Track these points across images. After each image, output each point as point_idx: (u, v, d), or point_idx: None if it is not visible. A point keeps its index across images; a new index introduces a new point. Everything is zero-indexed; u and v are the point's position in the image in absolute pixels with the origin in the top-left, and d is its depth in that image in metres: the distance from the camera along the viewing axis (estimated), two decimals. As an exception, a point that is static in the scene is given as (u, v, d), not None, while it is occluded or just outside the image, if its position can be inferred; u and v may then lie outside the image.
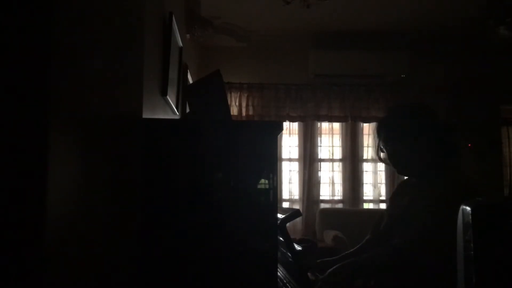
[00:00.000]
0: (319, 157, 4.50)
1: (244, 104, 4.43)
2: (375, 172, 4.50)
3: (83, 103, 0.79)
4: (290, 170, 4.52)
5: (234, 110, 4.36)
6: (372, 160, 4.47)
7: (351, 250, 1.74)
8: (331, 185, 4.56)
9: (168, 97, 2.03)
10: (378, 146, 1.58)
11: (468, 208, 0.77)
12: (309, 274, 1.46)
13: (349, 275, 1.36)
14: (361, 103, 4.46)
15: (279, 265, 1.45)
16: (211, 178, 1.23)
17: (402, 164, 1.54)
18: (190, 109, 1.59)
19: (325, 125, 4.62)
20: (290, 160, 4.53)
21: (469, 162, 4.23)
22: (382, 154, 1.59)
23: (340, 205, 4.52)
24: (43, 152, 0.62)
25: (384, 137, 1.55)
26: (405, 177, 1.69)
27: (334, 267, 1.38)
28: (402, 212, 1.51)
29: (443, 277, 1.28)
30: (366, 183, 4.57)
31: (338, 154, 4.60)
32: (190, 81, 3.18)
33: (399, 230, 1.45)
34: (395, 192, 1.69)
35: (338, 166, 4.58)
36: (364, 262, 1.40)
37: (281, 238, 1.37)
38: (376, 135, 1.60)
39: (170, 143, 1.23)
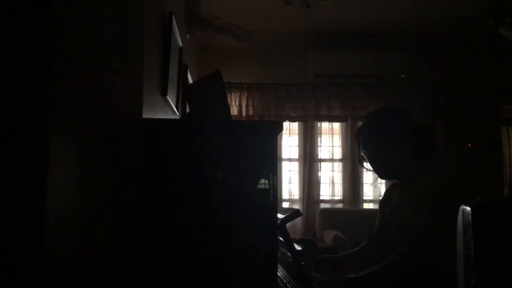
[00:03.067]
0: (319, 157, 4.50)
1: (244, 104, 4.43)
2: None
3: (83, 103, 0.79)
4: (290, 170, 4.52)
5: (234, 110, 4.36)
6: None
7: (351, 251, 1.74)
8: (331, 185, 4.56)
9: (168, 97, 2.03)
10: (359, 154, 1.62)
11: (468, 208, 0.76)
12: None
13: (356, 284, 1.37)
14: (361, 103, 4.46)
15: (279, 265, 1.45)
16: (211, 178, 1.23)
17: (381, 168, 1.58)
18: (190, 109, 1.59)
19: (325, 125, 4.62)
20: (290, 160, 4.53)
21: (469, 162, 4.23)
22: (364, 163, 1.63)
23: (340, 205, 4.52)
24: (43, 152, 0.62)
25: (363, 145, 1.59)
26: (393, 182, 1.71)
27: (345, 277, 1.38)
28: (389, 214, 1.54)
29: (444, 275, 1.29)
30: (366, 183, 4.57)
31: (338, 154, 4.60)
32: (190, 81, 3.18)
33: (389, 234, 1.46)
34: (384, 196, 1.72)
35: (338, 166, 4.58)
36: (375, 274, 1.39)
37: (281, 238, 1.37)
38: (356, 144, 1.64)
39: (170, 143, 1.23)
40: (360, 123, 1.66)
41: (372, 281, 1.38)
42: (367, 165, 1.63)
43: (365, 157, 1.60)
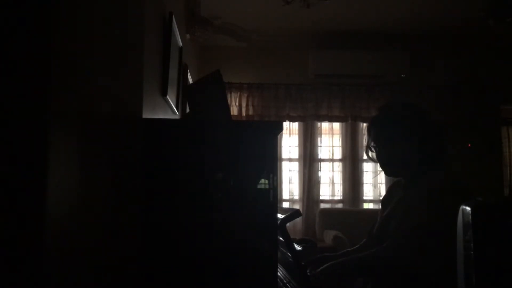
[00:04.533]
0: (319, 157, 4.50)
1: (244, 104, 4.43)
2: (375, 172, 4.50)
3: (83, 103, 0.79)
4: (290, 170, 4.52)
5: (234, 110, 4.36)
6: (372, 160, 4.47)
7: (350, 249, 1.74)
8: (331, 185, 4.56)
9: (168, 97, 2.02)
10: (368, 144, 1.59)
11: (468, 208, 0.76)
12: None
13: (338, 273, 1.37)
14: (361, 103, 4.46)
15: (279, 265, 1.45)
16: (211, 178, 1.23)
17: (389, 164, 1.54)
18: (190, 109, 1.59)
19: (325, 125, 4.62)
20: (290, 160, 4.53)
21: (469, 162, 4.23)
22: (371, 153, 1.59)
23: (340, 205, 4.52)
24: (43, 152, 0.62)
25: (373, 137, 1.55)
26: (395, 180, 1.70)
27: (325, 265, 1.39)
28: (389, 212, 1.52)
29: (437, 277, 1.29)
30: (366, 183, 4.57)
31: (338, 154, 4.60)
32: (190, 81, 3.18)
33: (388, 231, 1.46)
34: (386, 195, 1.69)
35: (338, 166, 4.58)
36: (354, 262, 1.41)
37: (281, 238, 1.37)
38: (366, 134, 1.60)
39: (170, 143, 1.23)
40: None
41: (354, 267, 1.40)
42: (372, 155, 1.59)
43: (373, 149, 1.56)
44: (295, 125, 4.56)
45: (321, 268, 1.38)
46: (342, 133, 4.58)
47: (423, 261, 1.31)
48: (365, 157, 4.59)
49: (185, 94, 2.66)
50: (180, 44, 2.45)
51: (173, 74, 2.18)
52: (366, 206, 4.56)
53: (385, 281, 1.42)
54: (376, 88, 4.48)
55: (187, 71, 3.01)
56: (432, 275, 1.32)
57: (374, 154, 1.58)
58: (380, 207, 1.70)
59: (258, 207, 1.21)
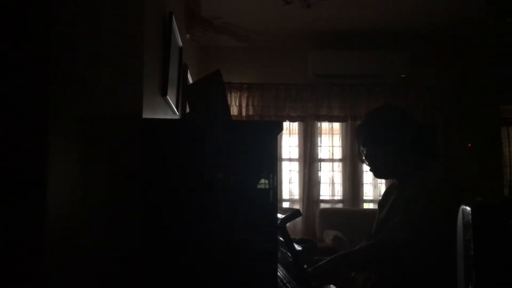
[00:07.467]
0: (319, 157, 4.50)
1: (244, 104, 4.43)
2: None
3: (83, 103, 0.79)
4: (290, 170, 4.52)
5: (234, 110, 4.36)
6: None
7: (348, 251, 1.76)
8: (331, 185, 4.56)
9: (168, 97, 2.03)
10: (359, 150, 1.64)
11: (468, 208, 0.76)
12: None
13: (333, 267, 1.42)
14: (361, 103, 4.46)
15: (279, 265, 1.45)
16: (211, 178, 1.23)
17: (379, 167, 1.58)
18: (190, 109, 1.59)
19: (325, 125, 4.62)
20: (290, 160, 4.53)
21: (469, 162, 4.23)
22: (363, 157, 1.64)
23: (340, 205, 4.52)
24: (43, 152, 0.62)
25: (362, 142, 1.60)
26: (392, 182, 1.72)
27: (322, 262, 1.43)
28: (385, 215, 1.55)
29: (434, 270, 1.31)
30: (366, 183, 4.57)
31: (338, 154, 4.60)
32: (190, 81, 3.18)
33: (383, 233, 1.48)
34: (383, 197, 1.72)
35: (338, 166, 4.58)
36: (349, 256, 1.47)
37: (281, 238, 1.37)
38: (356, 139, 1.66)
39: (170, 143, 1.23)
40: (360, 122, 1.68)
41: (357, 260, 1.45)
42: (364, 159, 1.64)
43: (363, 154, 1.60)
44: (295, 125, 4.56)
45: (317, 264, 1.40)
46: (342, 133, 4.58)
47: (417, 256, 1.33)
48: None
49: (185, 94, 2.66)
50: (180, 44, 2.45)
51: (173, 74, 2.19)
52: (366, 206, 4.56)
53: (385, 279, 1.43)
54: (376, 88, 4.48)
55: (187, 71, 3.01)
56: (430, 274, 1.32)
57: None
58: (378, 208, 1.71)
59: (258, 207, 1.21)
